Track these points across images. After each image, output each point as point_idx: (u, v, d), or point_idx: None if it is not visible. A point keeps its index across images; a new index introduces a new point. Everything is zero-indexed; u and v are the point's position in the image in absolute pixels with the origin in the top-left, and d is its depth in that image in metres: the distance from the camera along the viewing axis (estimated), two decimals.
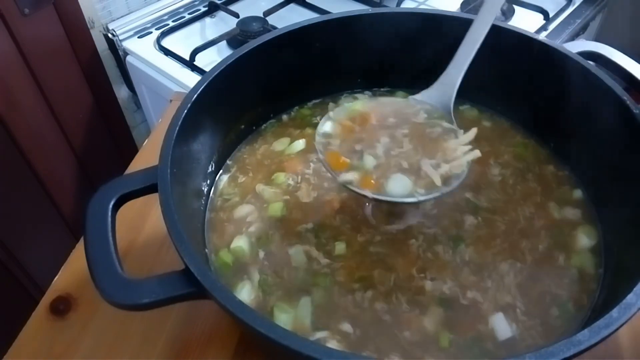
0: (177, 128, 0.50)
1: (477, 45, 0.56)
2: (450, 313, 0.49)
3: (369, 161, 0.53)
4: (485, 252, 0.54)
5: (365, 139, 0.55)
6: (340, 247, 0.54)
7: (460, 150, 0.53)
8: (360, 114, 0.58)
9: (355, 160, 0.53)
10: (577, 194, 0.59)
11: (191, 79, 1.12)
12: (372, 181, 0.51)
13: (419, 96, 0.59)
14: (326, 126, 0.57)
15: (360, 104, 0.60)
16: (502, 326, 0.48)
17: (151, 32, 1.27)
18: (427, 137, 0.55)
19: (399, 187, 0.51)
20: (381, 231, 0.56)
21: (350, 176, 0.52)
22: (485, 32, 0.56)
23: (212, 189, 0.61)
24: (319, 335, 0.48)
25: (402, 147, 0.54)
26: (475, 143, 0.64)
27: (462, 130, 0.55)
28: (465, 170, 0.52)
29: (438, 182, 0.51)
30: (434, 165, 0.52)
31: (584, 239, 0.55)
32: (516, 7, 1.27)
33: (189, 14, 1.33)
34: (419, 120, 0.57)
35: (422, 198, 0.50)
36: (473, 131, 0.55)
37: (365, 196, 0.51)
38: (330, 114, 0.58)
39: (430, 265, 0.53)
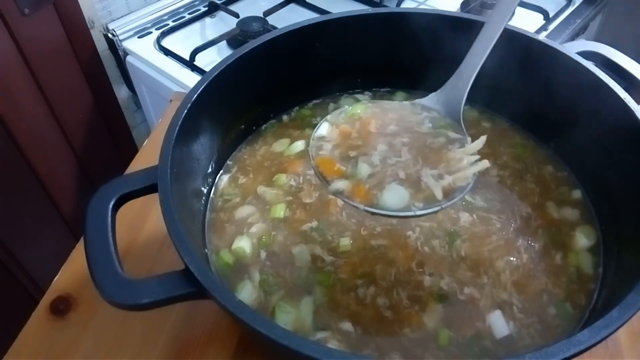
0: (177, 128, 0.50)
1: (491, 45, 0.52)
2: (448, 309, 0.49)
3: (364, 169, 0.49)
4: (481, 248, 0.54)
5: (362, 146, 0.52)
6: (345, 243, 0.54)
7: (467, 161, 0.49)
8: (360, 118, 0.55)
9: (350, 168, 0.50)
10: (577, 194, 0.59)
11: (191, 79, 1.12)
12: (364, 191, 0.48)
13: (426, 100, 0.56)
14: (322, 129, 0.54)
15: (361, 107, 0.56)
16: (499, 324, 0.48)
17: (151, 32, 1.27)
18: (429, 148, 0.51)
19: (394, 199, 0.47)
20: (382, 222, 0.56)
21: (341, 185, 0.48)
22: (499, 33, 0.52)
23: (213, 189, 0.61)
24: (320, 335, 0.48)
25: (400, 156, 0.50)
26: None
27: (469, 139, 0.52)
28: (471, 183, 0.48)
29: (439, 195, 0.47)
30: (436, 177, 0.48)
31: (583, 239, 0.55)
32: (516, 7, 1.27)
33: (189, 14, 1.33)
34: (422, 130, 0.53)
35: (419, 212, 0.47)
36: (482, 140, 0.50)
37: (357, 207, 0.47)
38: (329, 117, 0.55)
39: (428, 260, 0.53)
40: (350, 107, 0.56)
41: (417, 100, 0.57)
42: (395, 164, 0.50)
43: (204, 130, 0.58)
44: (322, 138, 0.53)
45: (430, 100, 0.56)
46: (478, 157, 0.49)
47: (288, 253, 0.54)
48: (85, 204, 0.45)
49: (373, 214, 0.47)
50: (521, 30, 0.60)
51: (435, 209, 0.47)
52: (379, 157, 0.51)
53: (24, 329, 0.56)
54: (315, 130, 0.54)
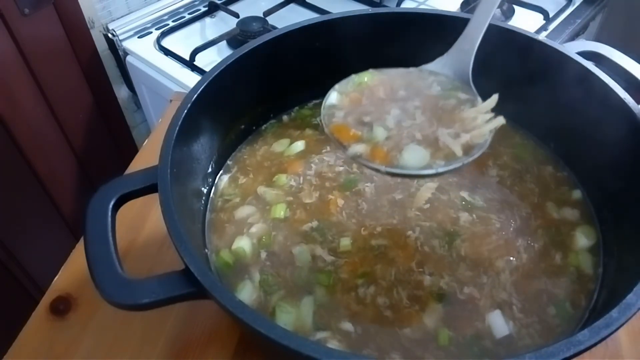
0: (177, 128, 0.50)
1: (497, 2, 0.52)
2: (448, 308, 0.49)
3: (380, 133, 0.49)
4: (480, 248, 0.54)
5: (374, 112, 0.51)
6: (345, 243, 0.54)
7: (481, 119, 0.49)
8: (369, 86, 0.54)
9: (365, 132, 0.49)
10: (577, 194, 0.59)
11: (191, 79, 1.12)
12: (383, 153, 0.47)
13: (432, 65, 0.56)
14: (332, 98, 0.53)
15: (368, 75, 0.55)
16: (499, 324, 0.48)
17: (151, 32, 1.27)
18: (442, 109, 0.51)
19: (415, 159, 0.47)
20: (382, 222, 0.56)
21: (359, 148, 0.48)
22: None
23: (213, 189, 0.61)
24: (320, 335, 0.48)
25: (414, 119, 0.50)
26: None
27: (479, 99, 0.52)
28: (488, 140, 0.48)
29: (459, 152, 0.46)
30: (453, 135, 0.48)
31: (583, 239, 0.55)
32: (516, 7, 1.27)
33: (189, 14, 1.33)
34: (432, 93, 0.53)
35: (441, 169, 0.46)
36: (494, 98, 0.51)
37: (377, 170, 0.47)
38: (337, 86, 0.55)
39: (428, 260, 0.53)
40: (357, 76, 0.56)
41: (423, 66, 0.56)
42: (410, 126, 0.50)
43: (204, 130, 0.58)
44: (333, 106, 0.53)
45: (437, 65, 0.56)
46: (492, 114, 0.49)
47: (288, 253, 0.54)
48: (85, 204, 0.45)
49: (394, 175, 0.47)
50: (521, 30, 0.60)
51: (457, 165, 0.46)
52: (394, 120, 0.50)
53: (24, 329, 0.56)
54: (325, 99, 0.53)
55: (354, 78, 0.55)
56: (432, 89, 0.53)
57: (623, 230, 0.52)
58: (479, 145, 0.47)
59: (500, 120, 0.49)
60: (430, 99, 0.52)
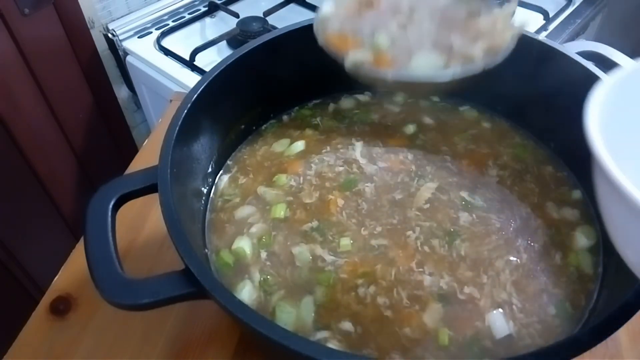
0: (177, 128, 0.50)
1: None
2: (448, 308, 0.49)
3: (383, 39, 0.42)
4: (480, 248, 0.54)
5: (375, 22, 0.44)
6: (345, 242, 0.54)
7: (502, 23, 0.43)
8: None
9: (366, 39, 0.42)
10: (577, 194, 0.59)
11: (191, 79, 1.12)
12: (388, 60, 0.40)
13: None
14: (326, 8, 0.46)
15: None
16: (499, 324, 0.48)
17: (151, 32, 1.27)
18: (453, 18, 0.44)
19: (426, 64, 0.40)
20: (382, 222, 0.56)
21: (360, 55, 0.41)
22: None
23: (213, 189, 0.61)
24: (320, 335, 0.48)
25: (421, 27, 0.43)
26: (474, 144, 0.65)
27: (497, 3, 0.46)
28: (511, 46, 0.42)
29: (478, 52, 0.40)
30: (468, 41, 0.41)
31: (583, 239, 0.55)
32: (516, 7, 1.27)
33: (189, 14, 1.33)
34: (440, 3, 0.45)
35: (459, 72, 0.40)
36: (514, 2, 0.45)
37: (384, 80, 0.41)
38: None
39: (428, 260, 0.53)
40: None
41: None
42: (418, 34, 0.42)
43: (204, 130, 0.58)
44: (327, 19, 0.47)
45: None
46: (513, 18, 0.43)
47: (288, 253, 0.54)
48: (85, 204, 0.46)
49: (404, 85, 0.41)
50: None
51: (477, 68, 0.40)
52: (398, 28, 0.43)
53: (24, 329, 0.56)
54: (318, 10, 0.46)
55: None
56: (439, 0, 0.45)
57: None
58: (500, 50, 0.41)
59: (523, 23, 0.42)
60: (439, 9, 0.44)
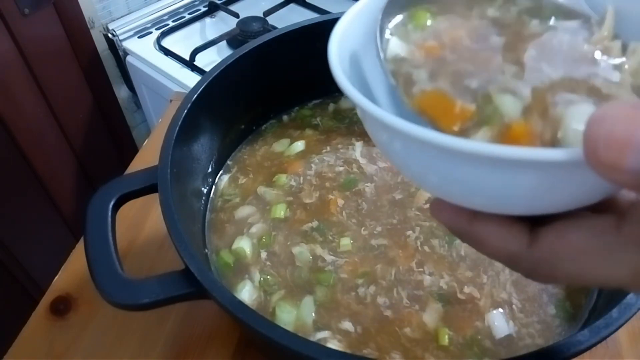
0: (177, 128, 0.50)
1: None
2: (448, 308, 0.49)
3: (509, 103, 0.26)
4: None
5: (474, 70, 0.29)
6: (345, 242, 0.54)
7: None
8: (438, 31, 0.31)
9: (481, 104, 0.27)
10: None
11: (191, 79, 1.12)
12: (525, 132, 0.26)
13: None
14: (395, 47, 0.31)
15: (422, 15, 0.32)
16: (499, 323, 0.48)
17: (151, 32, 1.27)
18: (567, 49, 0.29)
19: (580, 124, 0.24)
20: (382, 222, 0.56)
21: (482, 136, 0.26)
22: None
23: (213, 189, 0.61)
24: (320, 335, 0.48)
25: (540, 71, 0.28)
26: None
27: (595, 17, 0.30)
28: None
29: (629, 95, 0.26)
30: (610, 70, 0.27)
31: None
32: None
33: (189, 14, 1.33)
34: (532, 30, 0.30)
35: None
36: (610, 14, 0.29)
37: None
38: (391, 28, 0.31)
39: (428, 259, 0.53)
40: (409, 16, 0.32)
41: None
42: (546, 82, 0.28)
43: (204, 130, 0.58)
44: (402, 60, 0.30)
45: None
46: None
47: (288, 253, 0.54)
48: (85, 204, 0.46)
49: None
50: None
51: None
52: (515, 79, 0.28)
53: (24, 329, 0.56)
54: (379, 48, 0.30)
55: (406, 20, 0.32)
56: (526, 25, 0.31)
57: None
58: None
59: None
60: (535, 38, 0.30)
